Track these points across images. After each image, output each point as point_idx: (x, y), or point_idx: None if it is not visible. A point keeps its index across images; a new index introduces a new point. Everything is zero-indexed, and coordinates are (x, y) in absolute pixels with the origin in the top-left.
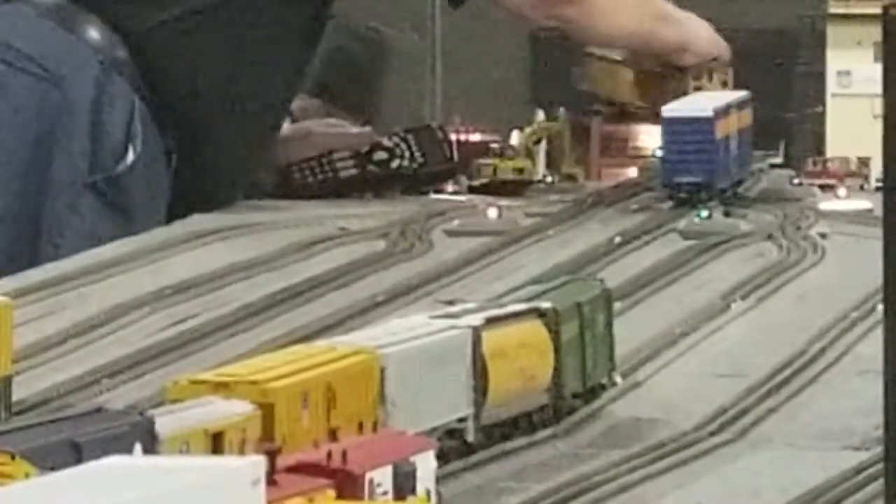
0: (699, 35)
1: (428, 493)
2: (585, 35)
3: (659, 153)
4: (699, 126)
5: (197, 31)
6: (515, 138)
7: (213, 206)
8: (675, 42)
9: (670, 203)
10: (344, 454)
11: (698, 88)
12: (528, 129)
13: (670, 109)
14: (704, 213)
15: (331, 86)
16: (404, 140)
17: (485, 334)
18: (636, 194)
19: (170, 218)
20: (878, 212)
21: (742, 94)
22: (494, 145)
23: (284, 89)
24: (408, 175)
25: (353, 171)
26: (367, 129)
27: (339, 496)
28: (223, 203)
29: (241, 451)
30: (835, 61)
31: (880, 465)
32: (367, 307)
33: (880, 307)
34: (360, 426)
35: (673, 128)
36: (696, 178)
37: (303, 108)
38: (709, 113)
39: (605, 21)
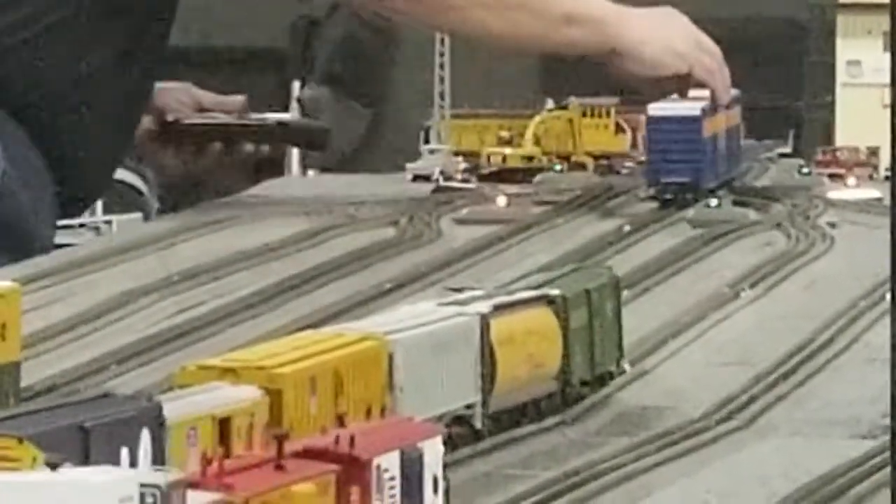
0: (644, 41)
1: (435, 479)
2: (437, 30)
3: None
4: (686, 125)
5: (38, 40)
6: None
7: (79, 209)
8: (592, 45)
9: (655, 205)
10: (352, 440)
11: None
12: (537, 118)
13: (656, 107)
14: (714, 202)
15: (340, 74)
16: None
17: (493, 321)
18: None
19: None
20: (887, 201)
21: (732, 91)
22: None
23: (134, 89)
24: (268, 131)
25: (221, 122)
26: (241, 97)
27: (347, 481)
28: (88, 202)
29: (249, 437)
30: (844, 51)
31: (887, 454)
32: (375, 294)
33: (888, 296)
34: (368, 412)
35: (658, 126)
36: (683, 179)
37: (312, 97)
38: (696, 111)
39: (454, 16)
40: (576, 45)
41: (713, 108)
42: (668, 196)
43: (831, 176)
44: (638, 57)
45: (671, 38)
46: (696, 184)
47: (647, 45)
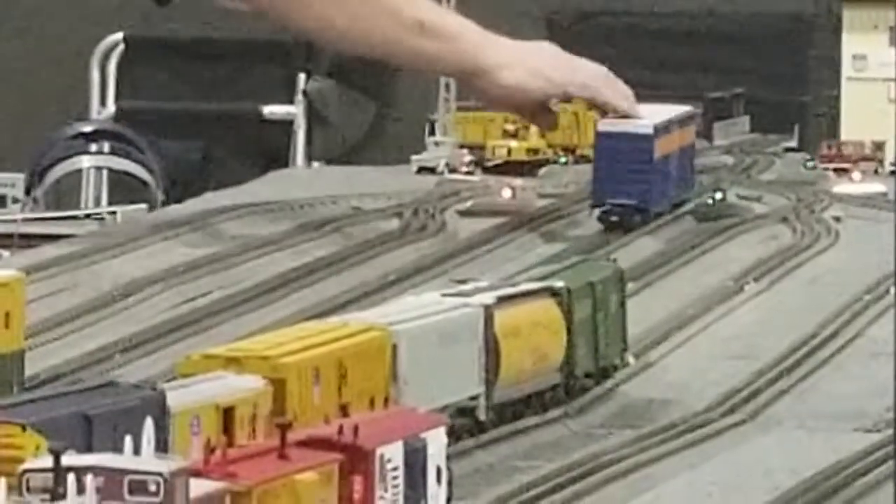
0: (505, 65)
1: (438, 469)
2: (292, 28)
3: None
4: (637, 143)
5: None
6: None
7: None
8: (447, 62)
9: (599, 227)
10: (355, 429)
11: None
12: None
13: (606, 123)
14: (718, 195)
15: (345, 67)
16: None
17: (497, 313)
18: None
19: None
20: (892, 195)
21: (685, 108)
22: None
23: None
24: None
25: None
26: None
27: (350, 471)
28: None
29: (253, 426)
30: (850, 45)
31: (891, 447)
32: (380, 286)
33: (893, 290)
34: (372, 402)
35: (608, 143)
36: (630, 201)
37: (317, 90)
38: (648, 130)
39: (306, 12)
40: (429, 58)
41: (666, 126)
42: (614, 218)
43: (836, 170)
44: (497, 80)
45: (539, 64)
46: (645, 206)
47: (508, 70)
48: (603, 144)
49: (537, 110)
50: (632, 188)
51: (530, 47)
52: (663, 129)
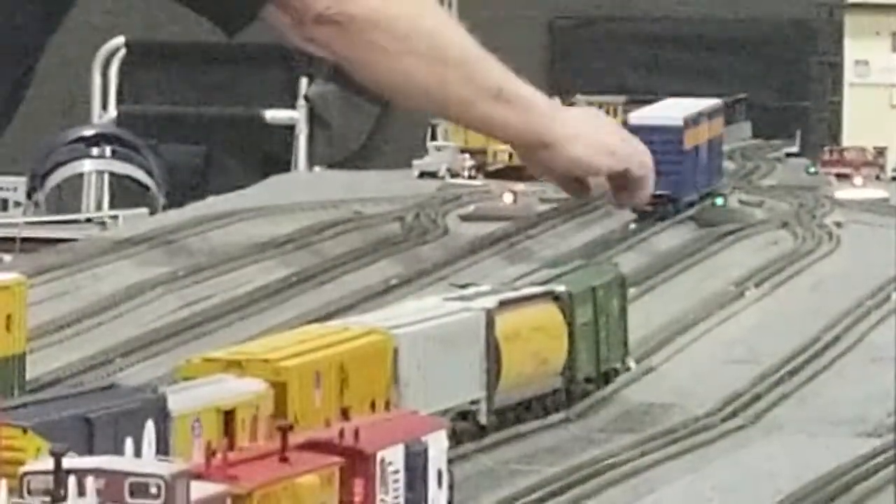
0: (576, 136)
1: (439, 472)
2: (367, 79)
3: None
4: (667, 135)
5: None
6: None
7: None
8: (519, 130)
9: (633, 216)
10: (356, 433)
11: None
12: None
13: (637, 116)
14: (720, 201)
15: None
16: None
17: (498, 317)
18: None
19: None
20: (894, 201)
21: (714, 102)
22: None
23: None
24: None
25: None
26: None
27: (351, 474)
28: None
29: (254, 429)
30: (852, 51)
31: (892, 452)
32: (381, 290)
33: (894, 295)
34: (373, 405)
35: (638, 136)
36: (662, 191)
37: (319, 94)
38: (678, 122)
39: (389, 67)
40: (502, 125)
41: (696, 117)
42: (647, 208)
43: (838, 175)
44: (565, 153)
45: (605, 139)
46: (677, 196)
47: (576, 143)
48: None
49: (579, 182)
50: (663, 179)
51: (589, 118)
52: (692, 121)
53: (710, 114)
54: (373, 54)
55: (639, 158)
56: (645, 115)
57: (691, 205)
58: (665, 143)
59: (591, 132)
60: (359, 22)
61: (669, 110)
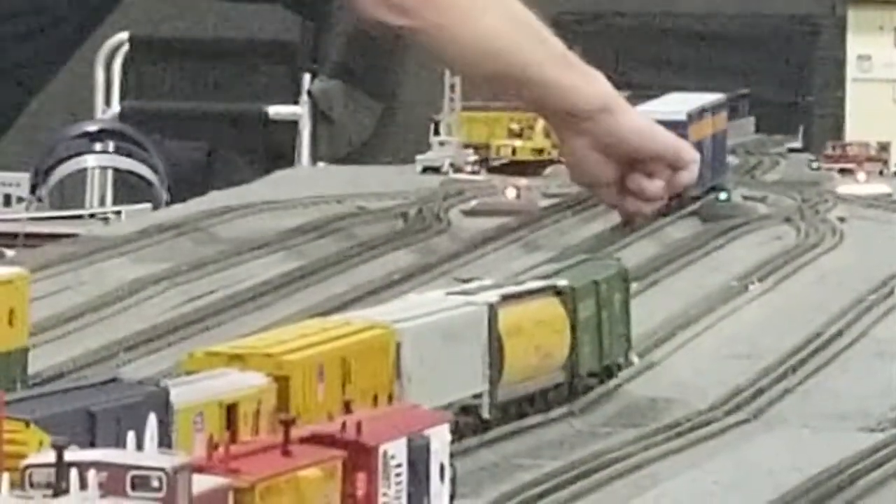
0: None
1: (442, 466)
2: (441, 42)
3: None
4: (671, 129)
5: None
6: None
7: None
8: (586, 93)
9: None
10: (358, 426)
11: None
12: None
13: (640, 110)
14: (723, 196)
15: (350, 67)
16: None
17: (501, 311)
18: None
19: None
20: None
21: (717, 96)
22: None
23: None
24: None
25: None
26: None
27: (353, 467)
28: None
29: (256, 423)
30: (855, 46)
31: (895, 446)
32: (384, 285)
33: None
34: (375, 399)
35: None
36: None
37: (322, 90)
38: (682, 116)
39: (467, 27)
40: (571, 88)
41: (700, 112)
42: None
43: (841, 171)
44: (632, 118)
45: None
46: (681, 191)
47: (636, 114)
48: None
49: (620, 189)
50: None
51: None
52: (696, 115)
53: (713, 108)
54: (458, 16)
55: (683, 143)
56: (648, 109)
57: (696, 199)
58: None
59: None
60: None
61: (673, 105)
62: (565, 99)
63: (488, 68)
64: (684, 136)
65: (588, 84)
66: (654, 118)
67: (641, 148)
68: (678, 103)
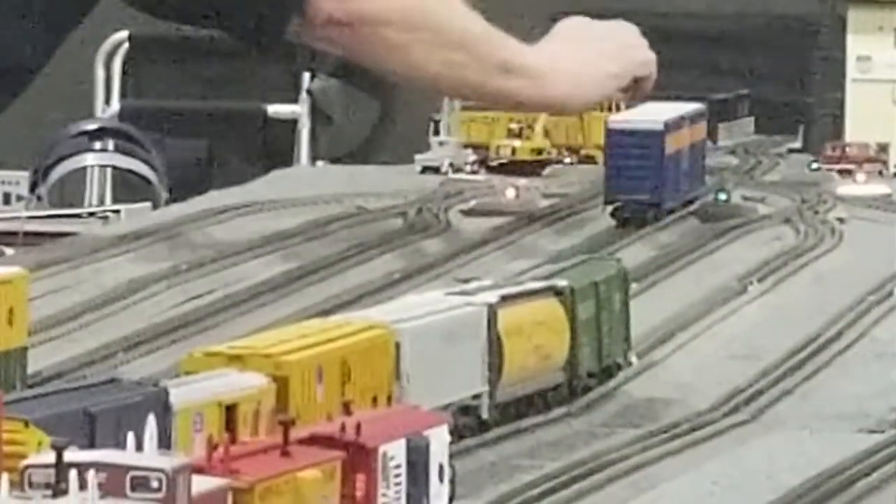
0: (578, 84)
1: (441, 467)
2: (373, 68)
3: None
4: (647, 139)
5: None
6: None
7: None
8: (527, 97)
9: (603, 226)
10: (358, 427)
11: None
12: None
13: (616, 121)
14: (722, 196)
15: (350, 67)
16: None
17: (500, 312)
18: None
19: None
20: None
21: (695, 106)
22: None
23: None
24: None
25: None
26: None
27: (353, 468)
28: None
29: (255, 423)
30: (855, 46)
31: (895, 448)
32: (384, 284)
33: None
34: (375, 400)
35: (618, 140)
36: (642, 196)
37: (322, 89)
38: (658, 126)
39: (400, 60)
40: (511, 97)
41: (677, 122)
42: (627, 215)
43: (841, 171)
44: (580, 103)
45: (601, 66)
46: (658, 202)
47: (584, 87)
48: (614, 141)
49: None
50: (644, 184)
51: (584, 48)
52: (674, 125)
53: (692, 118)
54: (384, 49)
55: (638, 62)
56: (625, 119)
57: (672, 211)
58: (645, 147)
59: (589, 70)
60: (369, 20)
61: (650, 114)
62: (510, 107)
63: (426, 91)
64: (661, 145)
65: (531, 88)
66: (631, 127)
67: (612, 96)
68: (655, 113)
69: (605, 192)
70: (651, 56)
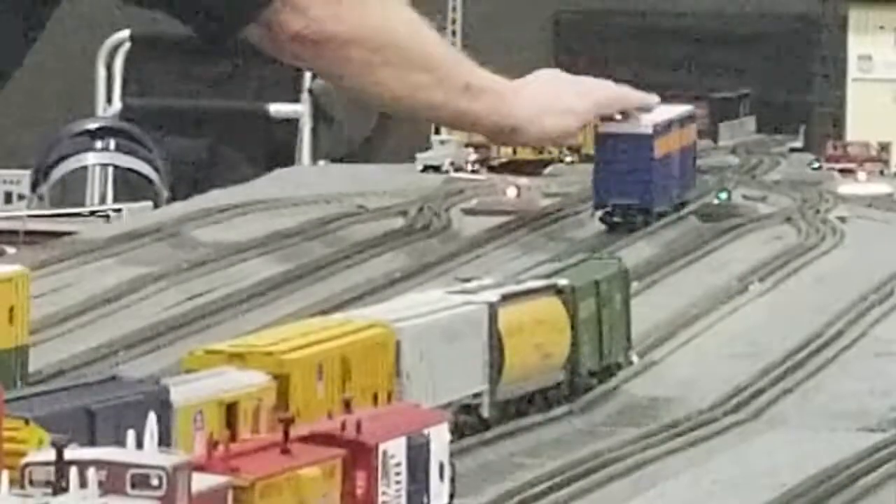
0: (541, 111)
1: (441, 465)
2: (336, 85)
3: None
4: (637, 143)
5: None
6: None
7: None
8: (490, 120)
9: (602, 227)
10: (358, 425)
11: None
12: None
13: (606, 125)
14: (723, 195)
15: None
16: None
17: (501, 310)
18: None
19: None
20: None
21: (685, 108)
22: None
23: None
24: None
25: None
26: None
27: (353, 466)
28: None
29: (256, 421)
30: (856, 46)
31: (895, 447)
32: (385, 283)
33: None
34: (375, 398)
35: (608, 144)
36: (632, 201)
37: (323, 88)
38: (648, 129)
39: (363, 79)
40: (473, 118)
41: (666, 126)
42: (617, 219)
43: (842, 171)
44: (534, 133)
45: (563, 104)
46: (647, 206)
47: (541, 119)
48: (603, 146)
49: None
50: (633, 189)
51: (549, 86)
52: (663, 128)
53: (681, 121)
54: (349, 68)
55: (602, 100)
56: (614, 123)
57: (663, 215)
58: (635, 151)
59: (552, 101)
60: (336, 40)
61: (639, 117)
62: (469, 128)
63: (387, 110)
64: (650, 149)
65: (491, 111)
66: (621, 131)
67: (557, 143)
68: (645, 116)
69: (595, 196)
70: (618, 93)
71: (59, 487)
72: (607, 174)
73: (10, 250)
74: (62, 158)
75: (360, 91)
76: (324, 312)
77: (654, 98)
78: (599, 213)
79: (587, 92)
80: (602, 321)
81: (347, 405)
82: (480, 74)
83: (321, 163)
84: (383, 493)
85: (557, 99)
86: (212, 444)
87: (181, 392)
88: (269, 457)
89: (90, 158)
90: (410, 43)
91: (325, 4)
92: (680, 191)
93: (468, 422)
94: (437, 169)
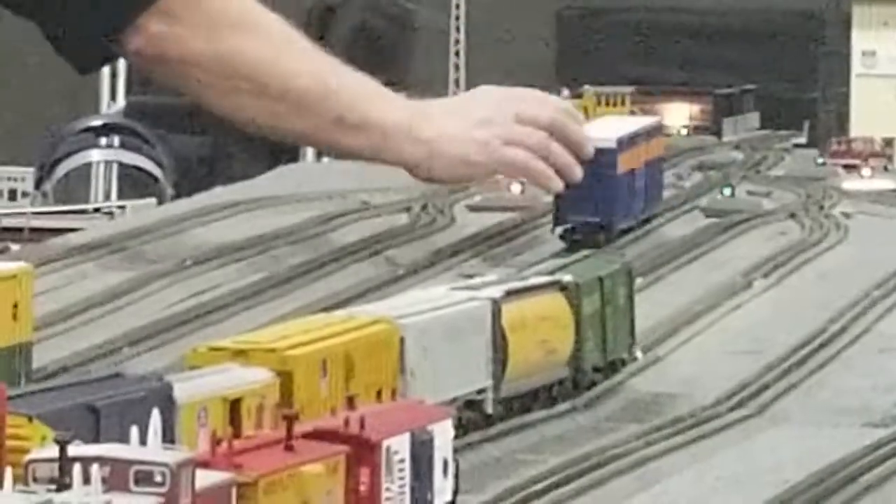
0: (432, 154)
1: (445, 461)
2: (206, 106)
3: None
4: (599, 158)
5: None
6: None
7: None
8: (372, 157)
9: (562, 245)
10: (362, 421)
11: None
12: None
13: None
14: (727, 191)
15: (355, 61)
16: None
17: (505, 307)
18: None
19: None
20: None
21: (651, 120)
22: None
23: None
24: None
25: None
26: None
27: (357, 462)
28: None
29: (259, 418)
30: (860, 41)
31: None
32: (389, 280)
33: None
34: (379, 395)
35: None
36: (593, 218)
37: None
38: (611, 143)
39: (219, 101)
40: (352, 152)
41: (631, 139)
42: (577, 237)
43: (846, 166)
44: (422, 174)
45: (459, 151)
46: (609, 224)
47: (430, 163)
48: None
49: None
50: (595, 206)
51: (458, 109)
52: (627, 142)
53: (647, 133)
54: (197, 87)
55: (505, 159)
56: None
57: (627, 232)
58: (596, 166)
59: (461, 128)
60: (175, 63)
61: (603, 130)
62: (352, 158)
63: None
64: (613, 163)
65: (375, 147)
66: None
67: (468, 181)
68: (608, 129)
69: (555, 213)
70: (523, 160)
71: (62, 484)
72: (567, 190)
73: (15, 247)
74: (66, 155)
75: (223, 114)
76: (328, 309)
77: (578, 173)
78: (559, 230)
79: (496, 147)
80: (606, 317)
81: (351, 402)
82: (367, 105)
83: (325, 159)
84: (387, 489)
85: (467, 122)
86: (215, 441)
87: (185, 389)
88: (273, 453)
89: (94, 155)
90: (264, 69)
91: (162, 23)
92: (645, 207)
93: (472, 418)
94: None
